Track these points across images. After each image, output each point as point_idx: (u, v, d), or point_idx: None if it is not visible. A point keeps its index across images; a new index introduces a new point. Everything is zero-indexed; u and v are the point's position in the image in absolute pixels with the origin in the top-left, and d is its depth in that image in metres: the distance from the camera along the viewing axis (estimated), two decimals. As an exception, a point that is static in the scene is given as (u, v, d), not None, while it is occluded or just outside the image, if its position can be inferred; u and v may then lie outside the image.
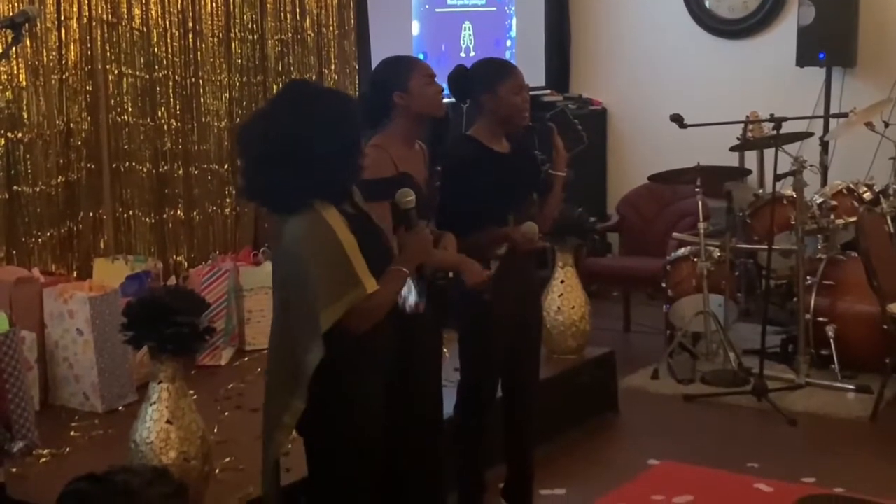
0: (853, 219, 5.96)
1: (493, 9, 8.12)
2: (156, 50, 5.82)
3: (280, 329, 3.09)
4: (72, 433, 4.44)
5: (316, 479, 3.15)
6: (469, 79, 4.00)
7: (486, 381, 4.10)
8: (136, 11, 5.71)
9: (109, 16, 5.61)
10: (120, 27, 5.65)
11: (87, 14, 5.50)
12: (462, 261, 3.67)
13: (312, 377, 2.98)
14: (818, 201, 6.19)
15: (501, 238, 3.94)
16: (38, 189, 5.29)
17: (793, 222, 5.95)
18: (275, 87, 6.31)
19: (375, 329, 3.07)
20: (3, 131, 5.16)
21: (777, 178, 5.75)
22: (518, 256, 3.97)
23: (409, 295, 3.27)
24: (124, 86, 5.70)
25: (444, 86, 3.91)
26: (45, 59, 5.31)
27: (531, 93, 4.19)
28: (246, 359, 5.45)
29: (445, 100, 3.82)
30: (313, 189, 2.96)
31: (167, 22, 5.86)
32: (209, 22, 6.05)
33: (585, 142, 4.18)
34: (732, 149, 6.28)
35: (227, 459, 4.01)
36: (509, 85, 3.97)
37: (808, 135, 6.21)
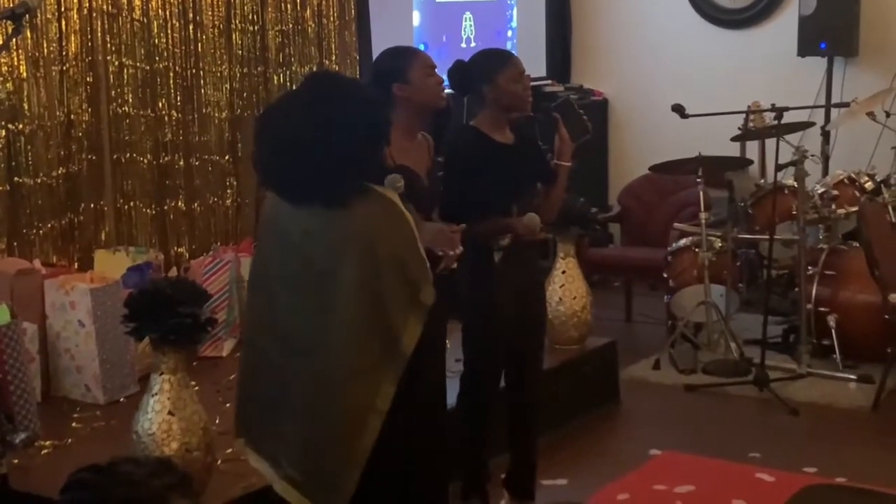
0: (854, 208, 5.96)
1: (494, -1, 8.11)
2: (156, 41, 5.81)
3: (353, 318, 3.07)
4: (74, 424, 4.44)
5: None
6: (468, 71, 3.99)
7: (489, 372, 4.11)
8: (137, 2, 5.69)
9: (110, 6, 5.59)
10: (120, 18, 5.64)
11: (87, 5, 5.48)
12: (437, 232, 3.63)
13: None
14: (819, 191, 6.18)
15: (504, 228, 3.94)
16: (38, 180, 5.28)
17: (794, 212, 5.94)
18: (275, 77, 6.31)
19: None
20: (3, 123, 5.15)
21: (778, 167, 5.75)
22: (521, 247, 3.97)
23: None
24: (125, 77, 5.69)
25: (445, 78, 3.90)
26: (45, 50, 5.30)
27: (532, 83, 4.19)
28: (247, 350, 5.44)
29: (446, 91, 3.81)
30: (358, 174, 2.96)
31: (167, 13, 5.85)
32: (210, 13, 6.03)
33: (590, 132, 4.18)
34: (734, 139, 6.28)
35: (230, 450, 4.00)
36: (508, 73, 3.96)
37: (810, 125, 6.21)
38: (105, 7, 5.57)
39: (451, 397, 4.04)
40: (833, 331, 5.84)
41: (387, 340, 3.03)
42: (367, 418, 3.07)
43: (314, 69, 6.42)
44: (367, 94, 3.09)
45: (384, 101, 3.16)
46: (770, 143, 6.20)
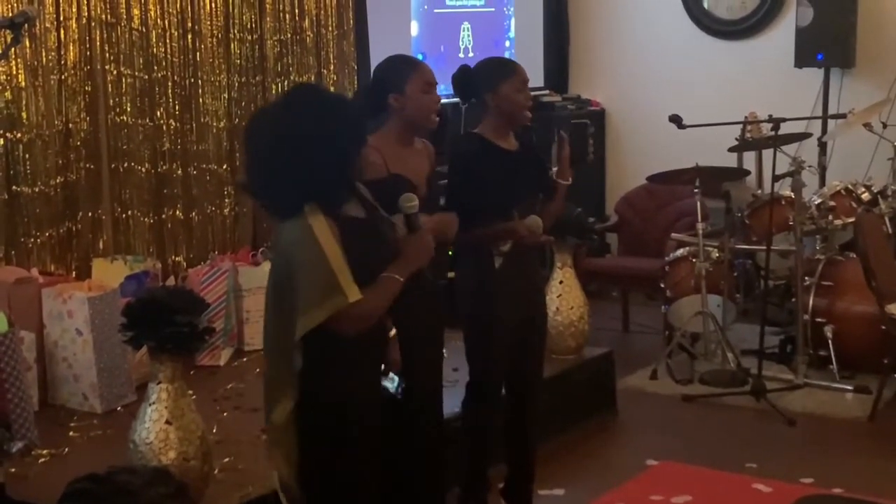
0: (851, 219, 5.97)
1: (492, 9, 8.12)
2: (155, 50, 5.82)
3: (274, 330, 3.09)
4: (71, 433, 4.44)
5: (315, 481, 3.13)
6: (472, 78, 4.01)
7: (491, 378, 4.11)
8: (135, 12, 5.70)
9: (108, 16, 5.60)
10: (119, 27, 5.65)
11: (86, 14, 5.49)
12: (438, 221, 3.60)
13: (308, 375, 2.99)
14: (816, 202, 6.19)
15: (506, 232, 3.94)
16: (36, 189, 5.29)
17: (791, 223, 5.95)
18: (274, 87, 6.32)
19: (373, 329, 3.08)
20: (2, 131, 5.15)
21: (775, 178, 5.76)
22: (522, 254, 3.98)
23: (389, 384, 3.27)
24: (123, 86, 5.70)
25: (444, 87, 3.90)
26: (44, 59, 5.30)
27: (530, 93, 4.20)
28: (245, 359, 5.45)
29: (444, 100, 3.81)
30: (305, 194, 2.96)
31: (166, 22, 5.85)
32: (208, 22, 6.04)
33: (589, 161, 4.19)
34: (731, 149, 6.29)
35: (227, 459, 4.01)
36: (511, 83, 3.98)
37: (807, 135, 6.22)
38: (104, 17, 5.58)
39: (448, 406, 4.04)
40: (830, 341, 5.85)
41: (287, 356, 3.03)
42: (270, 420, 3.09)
43: (312, 79, 6.43)
44: (338, 111, 3.04)
45: (359, 117, 3.12)
46: (767, 153, 6.20)
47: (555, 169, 4.14)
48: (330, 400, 3.04)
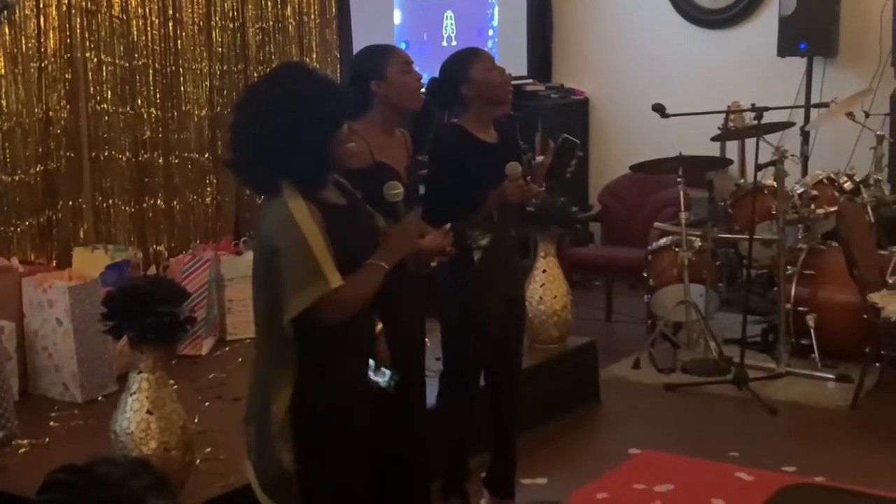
0: (834, 208, 5.99)
1: (475, -2, 8.11)
2: (135, 38, 5.79)
3: (262, 321, 3.06)
4: (51, 423, 4.41)
5: (305, 478, 3.11)
6: (442, 80, 3.98)
7: (468, 371, 4.11)
8: (116, -1, 5.68)
9: (88, 3, 5.56)
10: (99, 15, 5.61)
11: (66, 2, 5.46)
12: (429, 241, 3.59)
13: (304, 360, 2.97)
14: (799, 191, 6.20)
15: (494, 201, 3.89)
16: (16, 178, 5.26)
17: (774, 212, 5.96)
18: (256, 75, 6.28)
19: (360, 322, 3.06)
20: (-19, 120, 5.13)
21: (758, 167, 5.77)
22: (500, 247, 3.96)
23: (380, 378, 3.22)
24: (104, 74, 5.67)
25: (426, 76, 3.89)
26: (23, 46, 5.26)
27: (513, 82, 4.18)
28: (227, 348, 5.43)
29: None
30: (283, 171, 2.93)
31: (147, 10, 5.82)
32: (189, 10, 6.01)
33: (563, 179, 4.13)
34: (714, 139, 6.29)
35: (208, 449, 3.99)
36: (480, 65, 3.96)
37: (790, 125, 6.22)
38: (84, 4, 5.54)
39: (431, 396, 4.03)
40: (812, 330, 5.87)
41: (282, 334, 2.99)
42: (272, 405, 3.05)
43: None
44: (321, 89, 3.01)
45: (343, 96, 3.10)
46: (750, 142, 6.21)
47: (539, 158, 4.11)
48: (319, 397, 3.01)
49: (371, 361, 3.22)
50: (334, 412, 3.03)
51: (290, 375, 2.97)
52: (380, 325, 3.28)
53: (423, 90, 3.78)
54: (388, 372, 3.24)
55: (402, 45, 6.74)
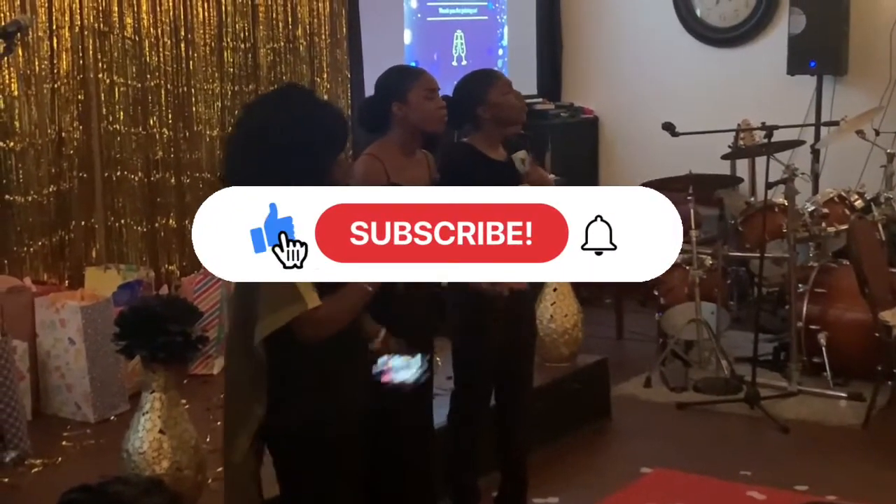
0: (844, 226, 5.97)
1: (485, 18, 8.12)
2: (147, 59, 5.82)
3: (234, 345, 3.07)
4: (64, 443, 4.43)
5: (290, 489, 3.10)
6: (459, 101, 3.99)
7: (478, 390, 4.11)
8: (128, 20, 5.70)
9: (101, 25, 5.60)
10: (112, 36, 5.65)
11: (78, 23, 5.49)
12: None
13: (287, 381, 2.97)
14: (810, 209, 6.20)
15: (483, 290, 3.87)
16: (29, 198, 5.28)
17: (784, 230, 5.95)
18: (267, 95, 6.31)
19: (347, 343, 3.04)
20: (-6, 140, 5.16)
21: (768, 185, 5.77)
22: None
23: (400, 371, 3.19)
24: (116, 95, 5.70)
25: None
26: (37, 68, 5.30)
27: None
28: (238, 368, 5.43)
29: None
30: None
31: (159, 31, 5.85)
32: (201, 31, 6.04)
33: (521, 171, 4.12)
34: (724, 157, 6.29)
35: (220, 469, 3.98)
36: (498, 88, 3.99)
37: (800, 143, 6.23)
38: (97, 25, 5.58)
39: (441, 416, 4.03)
40: (823, 348, 5.85)
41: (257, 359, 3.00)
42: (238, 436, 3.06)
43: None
44: (317, 114, 3.02)
45: (339, 124, 3.10)
46: (760, 161, 6.21)
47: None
48: (302, 422, 2.99)
49: (388, 359, 3.19)
50: (318, 441, 3.00)
51: (253, 416, 2.96)
52: (383, 331, 3.27)
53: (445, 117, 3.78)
54: (418, 358, 3.19)
55: (413, 65, 6.75)
